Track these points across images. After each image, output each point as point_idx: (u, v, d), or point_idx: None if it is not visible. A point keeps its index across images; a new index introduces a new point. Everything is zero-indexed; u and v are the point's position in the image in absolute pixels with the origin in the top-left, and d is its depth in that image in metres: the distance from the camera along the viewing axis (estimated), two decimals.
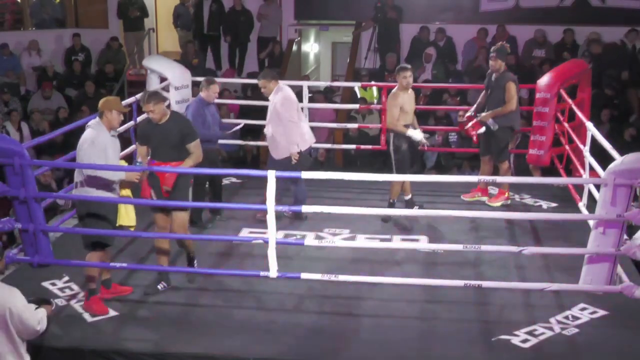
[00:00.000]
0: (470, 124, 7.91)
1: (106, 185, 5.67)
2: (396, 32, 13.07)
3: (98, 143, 5.58)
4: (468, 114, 8.07)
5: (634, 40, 12.39)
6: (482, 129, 7.84)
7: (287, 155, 7.30)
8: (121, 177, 5.70)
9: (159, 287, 6.08)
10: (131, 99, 8.35)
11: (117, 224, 5.84)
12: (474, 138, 7.98)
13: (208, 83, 7.41)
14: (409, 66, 7.51)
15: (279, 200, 7.61)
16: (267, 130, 7.40)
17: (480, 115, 7.90)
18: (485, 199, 8.14)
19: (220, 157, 7.69)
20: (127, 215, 5.88)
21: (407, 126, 7.41)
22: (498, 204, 8.03)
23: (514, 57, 11.39)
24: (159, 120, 5.93)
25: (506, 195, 8.08)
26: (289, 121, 7.23)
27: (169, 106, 8.35)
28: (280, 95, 7.25)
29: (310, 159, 7.57)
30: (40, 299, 4.99)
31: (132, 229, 6.02)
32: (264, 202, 5.57)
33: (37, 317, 4.68)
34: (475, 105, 8.15)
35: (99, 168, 5.58)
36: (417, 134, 7.43)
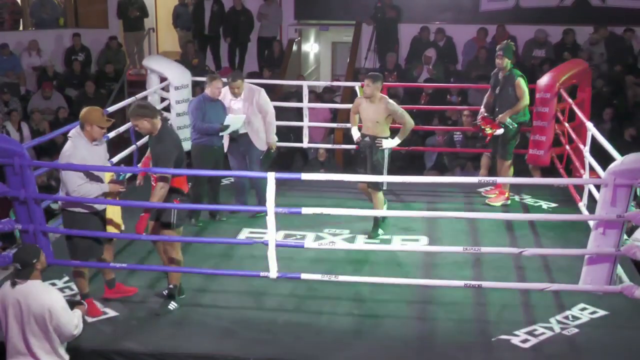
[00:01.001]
0: (481, 123, 7.94)
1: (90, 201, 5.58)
2: (395, 32, 13.08)
3: (75, 158, 5.49)
4: (483, 115, 8.06)
5: (630, 39, 12.41)
6: (500, 130, 7.84)
7: (267, 147, 7.73)
8: (105, 190, 5.60)
9: (170, 307, 5.87)
10: (131, 99, 8.35)
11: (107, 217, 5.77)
12: (488, 138, 7.97)
13: (210, 79, 7.56)
14: (375, 75, 7.17)
15: (243, 201, 7.71)
16: (248, 127, 7.59)
17: (491, 115, 7.92)
18: (510, 201, 8.16)
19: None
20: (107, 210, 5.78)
21: (364, 136, 7.21)
22: (498, 204, 8.04)
23: (514, 57, 11.37)
24: (146, 134, 5.77)
25: (506, 195, 8.09)
26: (272, 116, 7.72)
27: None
28: (261, 93, 7.65)
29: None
30: (72, 301, 5.00)
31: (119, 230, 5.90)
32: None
33: (75, 322, 4.72)
34: (483, 106, 8.15)
35: (97, 169, 5.56)
36: (354, 132, 7.39)
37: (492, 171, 8.91)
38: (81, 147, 5.54)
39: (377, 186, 7.10)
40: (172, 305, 5.80)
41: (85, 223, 5.65)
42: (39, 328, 4.62)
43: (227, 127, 7.39)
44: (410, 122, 7.14)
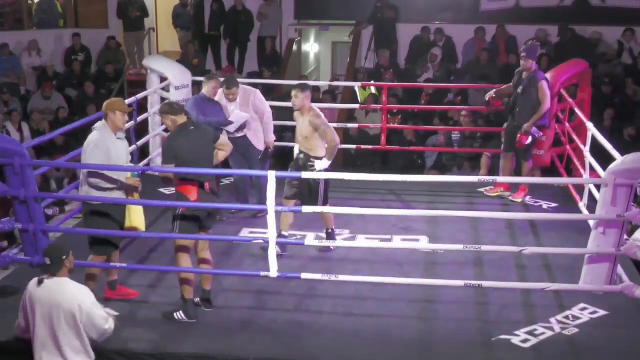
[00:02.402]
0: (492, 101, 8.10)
1: (107, 188, 5.63)
2: (393, 32, 13.07)
3: (101, 145, 5.57)
4: (491, 95, 8.09)
5: (630, 40, 12.43)
6: (530, 140, 7.82)
7: (265, 147, 7.75)
8: (121, 179, 5.65)
9: (175, 316, 5.73)
10: (132, 99, 8.35)
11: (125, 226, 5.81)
12: (524, 145, 7.90)
13: (207, 79, 7.61)
14: (303, 85, 6.68)
15: (244, 201, 7.70)
16: (246, 129, 7.59)
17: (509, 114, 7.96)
18: (507, 194, 8.22)
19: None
20: (129, 218, 5.83)
21: (300, 152, 6.71)
22: (519, 199, 8.11)
23: (515, 57, 11.41)
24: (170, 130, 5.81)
25: (526, 191, 8.17)
26: (269, 116, 7.73)
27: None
28: (257, 94, 7.65)
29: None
30: None
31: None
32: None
33: (105, 316, 4.70)
34: (495, 91, 8.17)
35: (99, 168, 5.57)
36: (295, 149, 6.80)
37: (493, 171, 8.93)
38: (107, 137, 5.61)
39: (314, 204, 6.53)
40: (178, 315, 5.68)
41: (105, 215, 5.66)
42: (68, 325, 4.59)
43: (232, 123, 7.41)
44: (333, 140, 6.51)
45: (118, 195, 5.72)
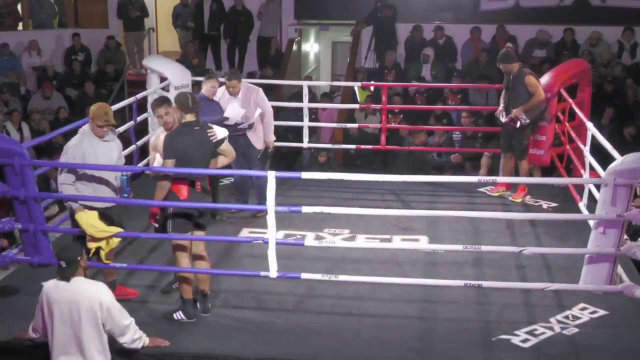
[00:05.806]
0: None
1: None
2: (393, 31, 13.07)
3: (76, 151, 5.54)
4: (506, 114, 8.09)
5: (630, 39, 12.43)
6: (518, 124, 7.92)
7: (264, 146, 7.75)
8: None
9: (174, 316, 5.73)
10: (131, 99, 8.35)
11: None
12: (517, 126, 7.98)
13: (207, 78, 7.63)
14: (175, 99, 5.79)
15: (245, 201, 7.68)
16: (248, 125, 7.60)
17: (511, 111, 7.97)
18: (509, 193, 8.27)
19: None
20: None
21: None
22: (519, 200, 8.15)
23: (517, 57, 11.40)
24: (170, 123, 5.72)
25: (526, 191, 8.21)
26: (270, 115, 7.76)
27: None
28: (259, 93, 7.67)
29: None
30: None
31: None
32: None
33: (125, 311, 4.71)
34: (502, 105, 8.18)
35: (95, 168, 5.57)
36: None
37: (493, 171, 8.92)
38: (85, 143, 5.58)
39: None
40: (177, 315, 5.68)
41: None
42: (89, 324, 4.59)
43: (227, 118, 7.41)
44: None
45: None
